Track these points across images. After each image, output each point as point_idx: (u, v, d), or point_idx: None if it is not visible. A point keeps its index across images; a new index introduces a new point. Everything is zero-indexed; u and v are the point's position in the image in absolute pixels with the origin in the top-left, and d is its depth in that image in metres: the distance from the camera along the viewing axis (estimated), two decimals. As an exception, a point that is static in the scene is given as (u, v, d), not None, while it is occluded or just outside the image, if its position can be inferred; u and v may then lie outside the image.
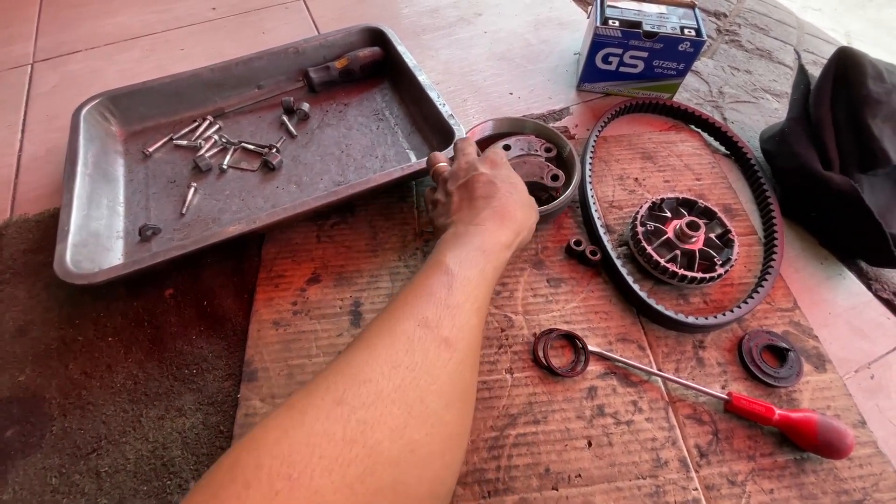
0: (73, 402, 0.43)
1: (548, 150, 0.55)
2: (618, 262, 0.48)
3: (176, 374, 0.44)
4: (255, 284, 0.48)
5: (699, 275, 0.46)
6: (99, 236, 0.49)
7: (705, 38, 0.58)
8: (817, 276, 0.51)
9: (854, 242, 0.50)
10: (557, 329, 0.45)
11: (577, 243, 0.50)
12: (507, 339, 0.45)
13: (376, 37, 0.66)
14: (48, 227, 0.53)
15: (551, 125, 0.63)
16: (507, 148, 0.54)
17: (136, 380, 0.44)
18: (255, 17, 0.78)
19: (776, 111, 0.69)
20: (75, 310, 0.47)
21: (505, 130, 0.56)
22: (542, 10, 0.79)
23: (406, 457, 0.23)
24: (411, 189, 0.55)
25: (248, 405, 0.41)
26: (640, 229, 0.49)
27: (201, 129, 0.61)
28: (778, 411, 0.39)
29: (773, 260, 0.49)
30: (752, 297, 0.47)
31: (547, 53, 0.72)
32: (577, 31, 0.76)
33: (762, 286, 0.47)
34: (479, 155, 0.45)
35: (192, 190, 0.54)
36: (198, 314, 0.47)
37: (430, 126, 0.58)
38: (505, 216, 0.38)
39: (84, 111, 0.56)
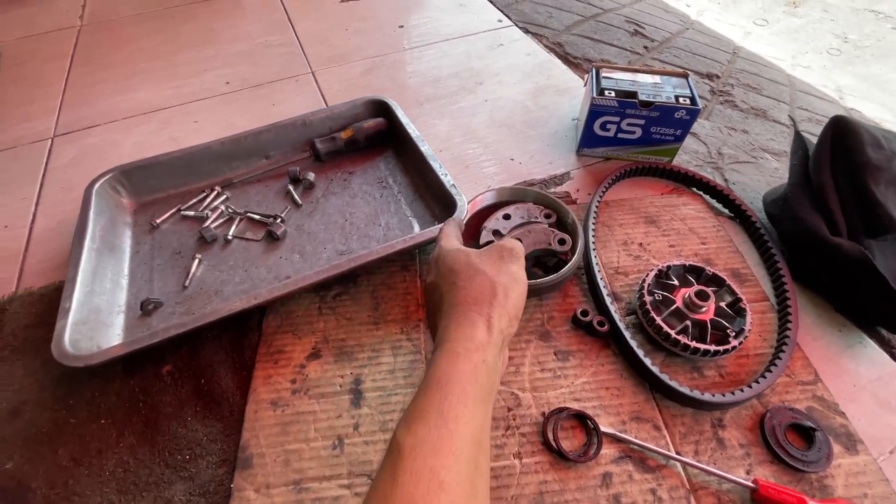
0: (58, 493, 0.40)
1: (547, 217, 0.55)
2: (626, 334, 0.46)
3: (168, 461, 0.42)
4: (255, 361, 0.47)
5: (712, 347, 0.44)
6: (100, 312, 0.48)
7: (700, 106, 0.59)
8: (837, 344, 0.49)
9: (871, 309, 0.49)
10: (568, 408, 0.43)
11: (584, 313, 0.48)
12: (514, 420, 0.43)
13: (380, 108, 0.69)
14: (51, 301, 0.53)
15: (553, 190, 0.64)
16: (506, 217, 0.55)
17: (127, 467, 0.42)
18: (267, 90, 0.82)
19: (776, 171, 0.70)
20: (70, 389, 0.46)
21: (506, 199, 0.56)
22: (540, 78, 0.83)
23: None
24: (414, 258, 0.55)
25: (242, 496, 0.39)
26: (647, 298, 0.47)
27: (209, 199, 0.62)
28: (811, 502, 0.36)
29: (789, 329, 0.47)
30: (771, 371, 0.44)
31: (546, 119, 0.74)
32: (574, 97, 0.79)
33: (780, 358, 0.45)
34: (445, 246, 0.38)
35: (196, 262, 0.55)
36: (195, 392, 0.46)
37: (433, 195, 0.59)
38: (458, 309, 0.31)
39: (97, 186, 0.58)
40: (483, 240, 0.54)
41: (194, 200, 0.62)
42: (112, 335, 0.48)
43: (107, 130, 0.75)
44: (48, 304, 0.53)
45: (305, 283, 0.47)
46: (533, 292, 0.50)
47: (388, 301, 0.51)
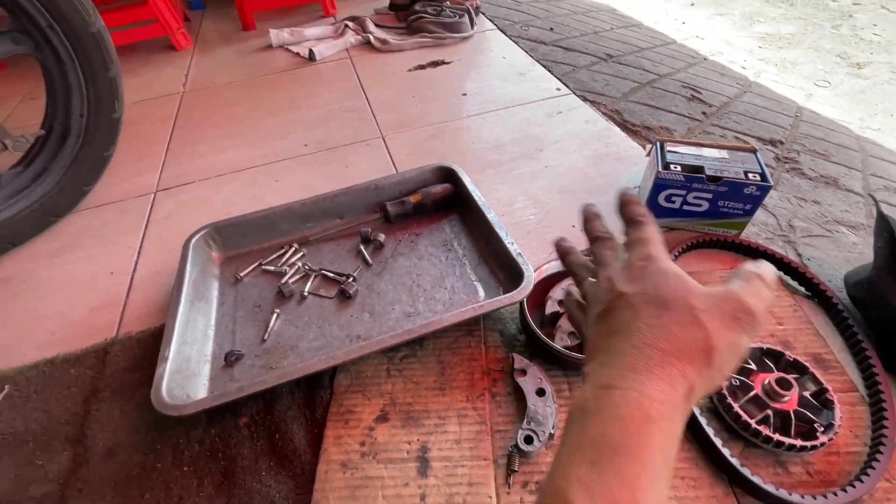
0: (143, 539, 0.43)
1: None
2: (702, 420, 0.45)
3: (242, 515, 0.44)
4: (326, 419, 0.49)
5: (798, 442, 0.42)
6: (190, 361, 0.53)
7: (771, 183, 0.59)
8: (942, 447, 0.44)
9: (982, 411, 0.45)
10: (640, 497, 0.41)
11: (655, 394, 0.47)
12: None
13: (447, 174, 0.73)
14: (147, 347, 0.58)
15: (616, 259, 0.64)
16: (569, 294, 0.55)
17: (204, 517, 0.44)
18: (341, 153, 0.89)
19: (855, 246, 0.67)
20: (158, 434, 0.50)
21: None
22: (599, 145, 0.85)
23: None
24: (479, 323, 0.56)
25: (311, 562, 0.39)
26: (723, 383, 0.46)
27: (287, 255, 0.67)
28: None
29: (885, 427, 0.44)
30: (868, 474, 0.41)
31: (607, 187, 0.76)
32: (634, 164, 0.80)
33: (877, 459, 0.42)
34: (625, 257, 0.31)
35: (274, 316, 0.59)
36: (269, 447, 0.48)
37: (498, 261, 0.61)
38: (657, 357, 0.24)
39: (193, 240, 0.64)
40: (548, 310, 0.55)
41: (274, 256, 0.67)
42: (199, 385, 0.52)
43: (200, 187, 0.84)
44: (144, 349, 0.58)
45: (379, 346, 0.49)
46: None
47: (453, 366, 0.52)
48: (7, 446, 0.51)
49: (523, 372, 0.49)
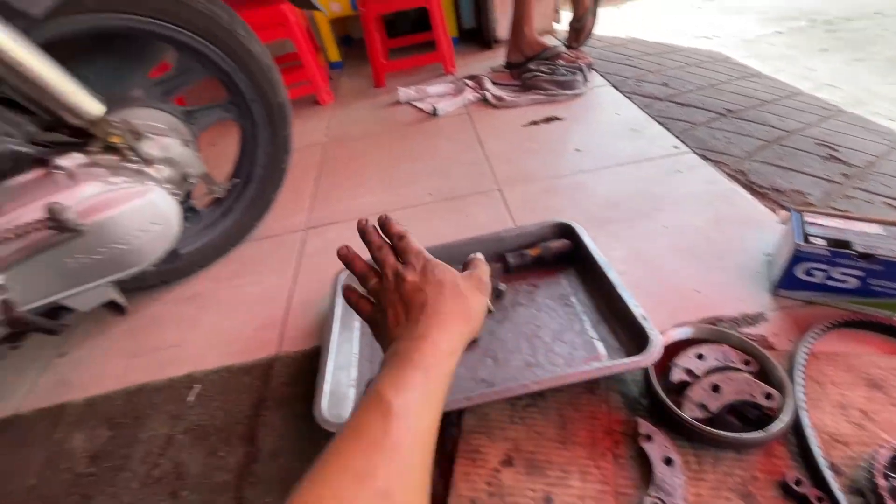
0: (301, 536, 0.50)
1: (745, 363, 0.54)
2: (839, 495, 0.42)
3: (382, 531, 0.49)
4: (455, 455, 0.54)
5: (983, 567, 0.37)
6: (340, 384, 0.61)
7: (939, 265, 0.54)
8: None
9: None
10: (782, 592, 0.40)
11: (798, 483, 0.45)
12: (717, 588, 0.41)
13: (565, 230, 0.77)
14: (302, 365, 0.68)
15: (745, 330, 0.62)
16: (700, 357, 0.55)
17: (350, 527, 0.50)
18: (461, 203, 0.97)
19: None
20: (312, 446, 0.58)
21: (703, 337, 0.57)
22: (723, 207, 0.84)
23: None
24: (600, 382, 0.58)
25: (445, 588, 0.44)
26: (882, 483, 0.43)
27: (417, 296, 0.75)
28: None
29: None
30: None
31: (732, 252, 0.74)
32: (762, 229, 0.77)
33: None
34: (399, 259, 0.45)
35: (408, 352, 0.66)
36: (403, 472, 0.54)
37: (619, 322, 0.63)
38: (442, 320, 0.38)
39: (342, 275, 0.75)
40: (675, 377, 0.55)
41: (405, 296, 0.75)
42: (347, 407, 0.60)
43: (342, 227, 0.97)
44: (299, 367, 0.69)
45: (509, 394, 0.54)
46: (734, 446, 0.49)
47: (574, 422, 0.55)
48: (197, 436, 0.63)
49: (648, 438, 0.50)
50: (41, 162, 0.59)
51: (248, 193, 0.92)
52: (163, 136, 0.70)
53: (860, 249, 0.57)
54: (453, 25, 1.93)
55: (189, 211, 0.87)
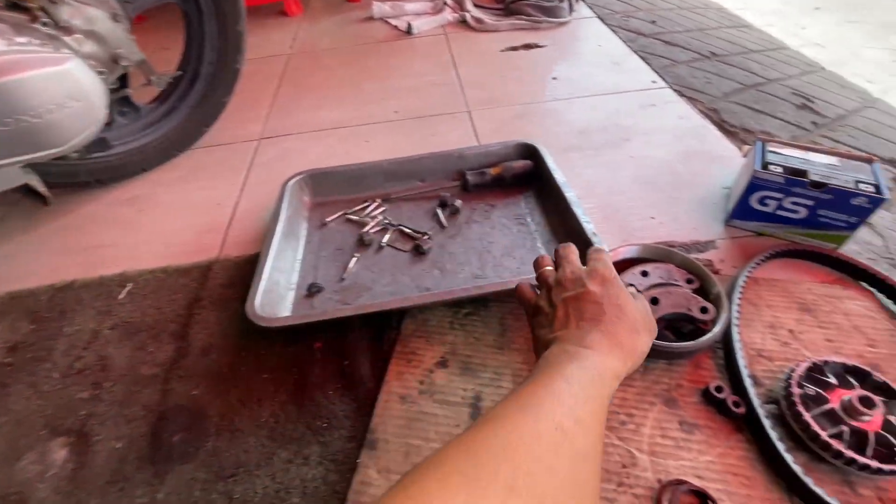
0: (226, 426, 0.49)
1: (689, 282, 0.54)
2: (766, 423, 0.43)
3: (309, 423, 0.49)
4: (391, 356, 0.53)
5: (874, 463, 0.39)
6: (278, 286, 0.59)
7: (887, 196, 0.54)
8: None
9: None
10: (687, 482, 0.41)
11: (719, 389, 0.46)
12: (627, 478, 0.42)
13: (529, 151, 0.74)
14: (242, 269, 0.65)
15: (695, 256, 0.62)
16: (644, 274, 0.55)
17: (278, 419, 0.50)
18: (428, 122, 0.92)
19: (978, 282, 0.59)
20: (245, 342, 0.57)
21: (649, 256, 0.57)
22: (692, 142, 0.82)
23: None
24: (544, 295, 0.58)
25: (366, 473, 0.44)
26: (796, 390, 0.44)
27: (370, 208, 0.72)
28: None
29: (982, 469, 0.40)
30: (951, 511, 0.38)
31: (694, 184, 0.73)
32: (727, 166, 0.76)
33: (965, 499, 0.39)
34: (584, 265, 0.43)
35: (353, 259, 0.64)
36: (338, 371, 0.53)
37: (571, 239, 0.61)
38: (614, 343, 0.36)
39: (289, 183, 0.71)
40: (617, 292, 0.54)
41: (358, 207, 0.72)
42: (284, 307, 0.58)
43: (298, 139, 0.91)
44: (239, 271, 0.66)
45: (449, 296, 0.52)
46: (664, 355, 0.49)
47: (514, 330, 0.54)
48: (126, 332, 0.60)
49: (583, 345, 0.50)
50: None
51: (194, 92, 0.85)
52: (86, 4, 0.62)
53: (814, 178, 0.57)
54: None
55: (125, 103, 0.79)
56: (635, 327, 0.38)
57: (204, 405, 0.52)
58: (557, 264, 0.44)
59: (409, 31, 1.26)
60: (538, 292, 0.45)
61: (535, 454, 0.27)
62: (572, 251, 0.45)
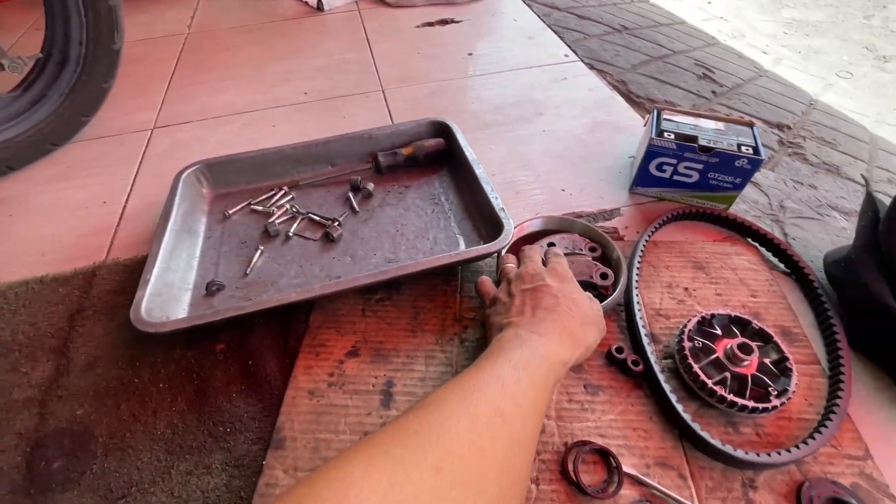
0: (116, 444, 0.45)
1: (592, 250, 0.56)
2: (661, 377, 0.46)
3: (211, 430, 0.46)
4: (298, 350, 0.51)
5: (750, 403, 0.43)
6: (172, 287, 0.54)
7: (763, 157, 0.58)
8: (894, 422, 0.45)
9: (938, 390, 0.45)
10: (591, 442, 0.43)
11: (619, 350, 0.48)
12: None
13: (442, 129, 0.73)
14: (133, 272, 0.60)
15: (601, 224, 0.64)
16: (551, 245, 0.56)
17: (175, 430, 0.46)
18: (339, 103, 0.88)
19: (843, 230, 0.66)
20: (138, 351, 0.52)
21: (553, 228, 0.58)
22: (599, 113, 0.84)
23: None
24: (457, 274, 0.57)
25: (271, 474, 0.42)
26: (686, 344, 0.47)
27: (276, 197, 0.67)
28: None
29: (840, 397, 0.45)
30: (814, 438, 0.42)
31: (601, 155, 0.75)
32: (632, 135, 0.79)
33: (826, 426, 0.43)
34: (545, 264, 0.48)
35: (258, 252, 0.60)
36: (242, 372, 0.50)
37: (482, 216, 0.61)
38: (565, 332, 0.39)
39: (183, 175, 0.65)
40: (525, 265, 0.55)
41: (263, 197, 0.68)
42: (179, 309, 0.53)
43: (197, 127, 0.84)
44: (130, 274, 0.60)
45: (354, 283, 0.50)
46: (569, 322, 0.51)
47: (427, 312, 0.54)
48: (-6, 353, 0.53)
49: (493, 320, 0.50)
50: None
51: (65, 77, 0.75)
52: None
53: (703, 143, 0.60)
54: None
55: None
56: (586, 320, 0.42)
57: (89, 425, 0.47)
58: (520, 261, 0.49)
59: (319, 8, 1.19)
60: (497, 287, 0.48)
61: (469, 438, 0.27)
62: (536, 251, 0.50)
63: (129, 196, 0.71)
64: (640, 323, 0.50)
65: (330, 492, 0.22)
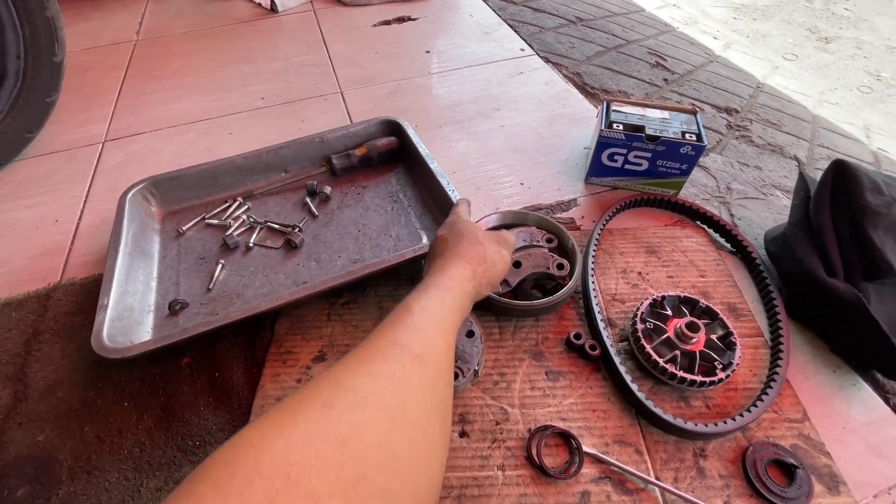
0: (82, 466, 0.45)
1: (549, 241, 0.58)
2: (617, 359, 0.48)
3: (180, 445, 0.46)
4: (265, 359, 0.51)
5: (699, 378, 0.45)
6: (132, 311, 0.53)
7: (706, 143, 0.61)
8: (829, 385, 0.49)
9: (865, 352, 0.49)
10: (553, 426, 0.45)
11: (577, 336, 0.50)
12: (500, 434, 0.45)
13: (394, 127, 0.73)
14: (91, 292, 0.58)
15: (559, 215, 0.66)
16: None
17: (143, 447, 0.46)
18: (298, 107, 0.87)
19: (785, 208, 0.70)
20: (100, 372, 0.51)
21: (509, 222, 0.59)
22: (556, 106, 0.86)
23: (392, 462, 0.24)
24: (421, 270, 0.58)
25: (242, 484, 0.42)
26: (640, 326, 0.49)
27: (231, 209, 0.67)
28: (784, 538, 0.37)
29: (779, 366, 0.48)
30: (757, 405, 0.45)
31: (558, 147, 0.77)
32: (588, 126, 0.81)
33: (767, 393, 0.46)
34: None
35: (219, 266, 0.59)
36: (209, 385, 0.50)
37: (441, 209, 0.62)
38: (457, 257, 0.42)
39: (129, 195, 0.62)
40: (485, 260, 0.56)
41: (217, 210, 0.66)
42: (143, 332, 0.52)
43: (151, 138, 0.82)
44: (87, 294, 0.58)
45: (323, 287, 0.51)
46: (529, 313, 0.52)
47: (390, 311, 0.54)
48: (-54, 385, 0.51)
49: (456, 316, 0.51)
50: None
51: (4, 92, 0.72)
52: None
53: (650, 132, 0.62)
54: None
55: None
56: (477, 240, 0.44)
57: (52, 450, 0.46)
58: None
59: (273, 9, 1.17)
60: None
61: (363, 370, 0.28)
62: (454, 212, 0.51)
63: (82, 213, 0.69)
64: (596, 309, 0.52)
65: (240, 448, 0.21)
